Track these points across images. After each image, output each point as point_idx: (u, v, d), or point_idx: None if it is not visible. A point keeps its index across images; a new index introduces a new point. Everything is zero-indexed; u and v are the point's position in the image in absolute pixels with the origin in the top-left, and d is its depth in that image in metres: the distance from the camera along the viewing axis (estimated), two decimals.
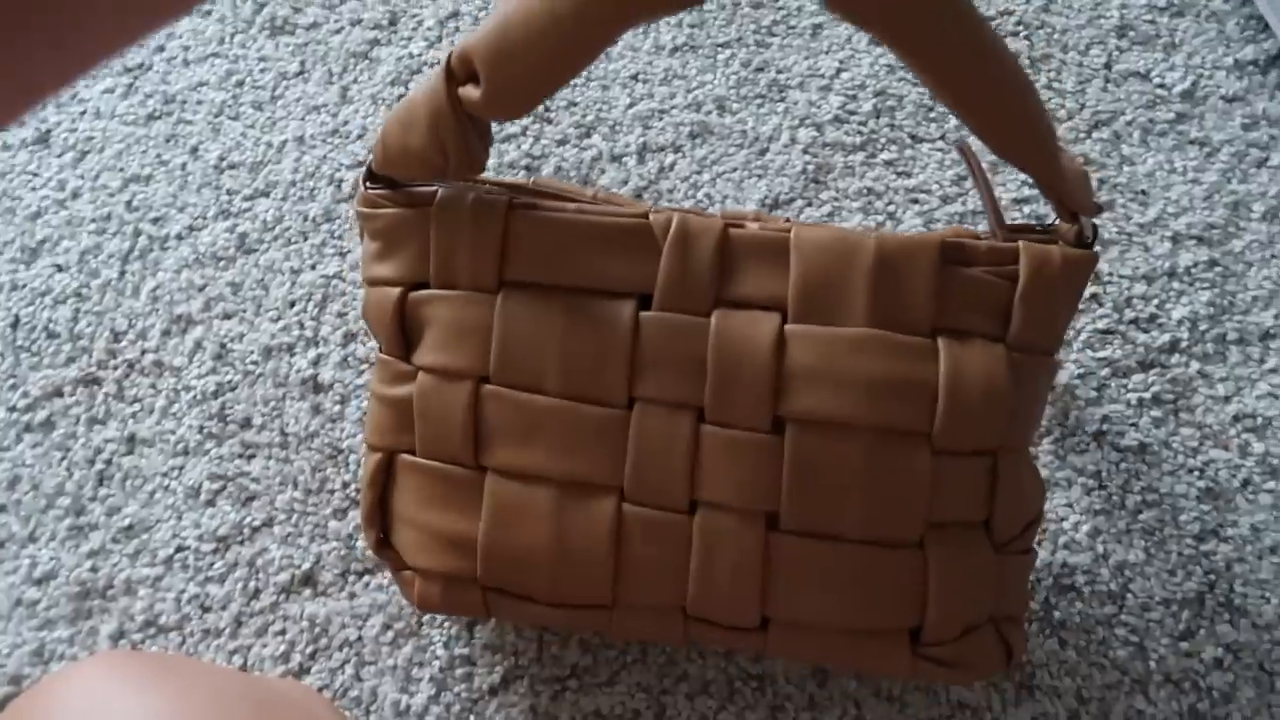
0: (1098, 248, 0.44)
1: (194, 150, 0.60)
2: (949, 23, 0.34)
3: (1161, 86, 0.57)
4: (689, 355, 0.38)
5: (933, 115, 0.57)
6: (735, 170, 0.57)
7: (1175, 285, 0.52)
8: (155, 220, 0.58)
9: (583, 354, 0.38)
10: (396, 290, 0.40)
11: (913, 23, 0.34)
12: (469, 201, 0.39)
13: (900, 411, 0.37)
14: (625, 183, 0.56)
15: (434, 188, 0.40)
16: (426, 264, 0.40)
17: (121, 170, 0.59)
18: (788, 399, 0.37)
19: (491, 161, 0.58)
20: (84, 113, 0.61)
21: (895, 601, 0.38)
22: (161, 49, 0.63)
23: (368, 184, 0.41)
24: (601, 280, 0.39)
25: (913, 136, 0.57)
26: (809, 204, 0.55)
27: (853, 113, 0.58)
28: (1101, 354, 0.51)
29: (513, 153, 0.58)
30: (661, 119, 0.58)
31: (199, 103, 0.61)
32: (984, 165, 0.42)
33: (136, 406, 0.53)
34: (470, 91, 0.37)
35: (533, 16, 0.35)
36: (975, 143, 0.47)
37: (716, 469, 0.38)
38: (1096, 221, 0.53)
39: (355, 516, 0.50)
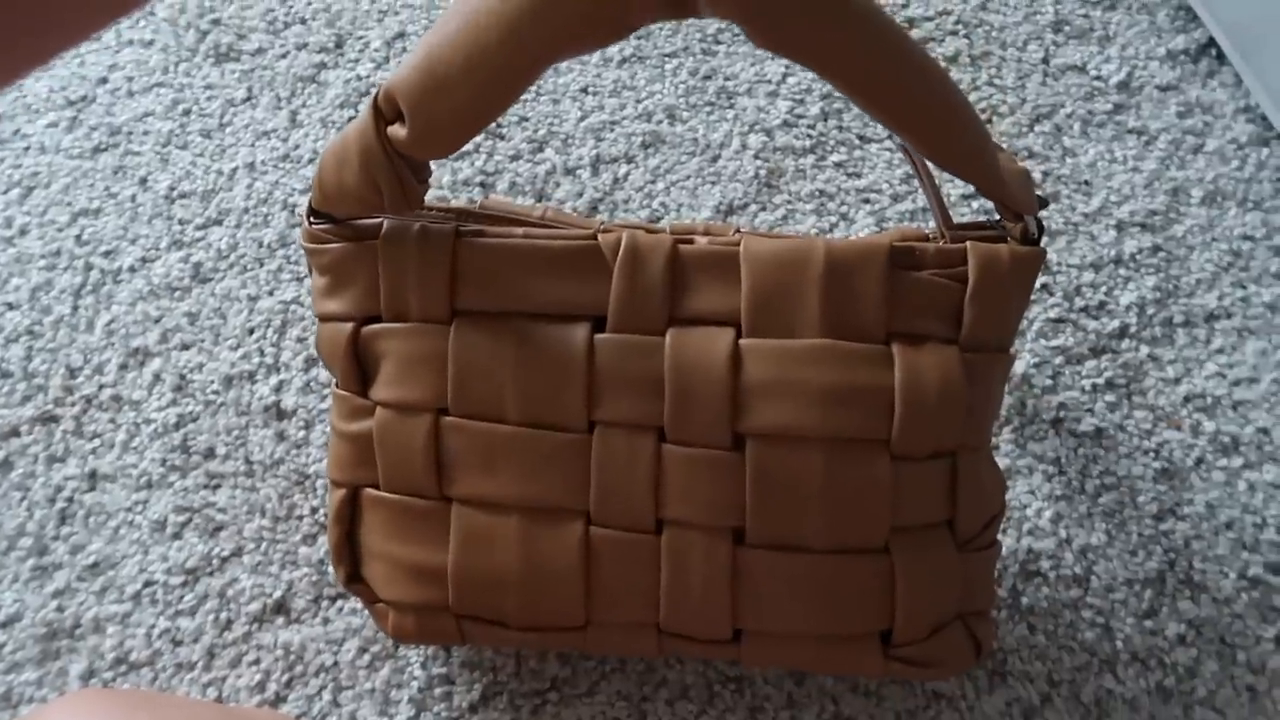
0: (1045, 241, 0.46)
1: (143, 181, 0.60)
2: (871, 44, 0.35)
3: (1098, 79, 0.59)
4: (646, 376, 0.38)
5: None
6: (689, 178, 0.58)
7: (1122, 272, 0.54)
8: (106, 253, 0.58)
9: (540, 380, 0.39)
10: (349, 325, 0.40)
11: (837, 51, 0.35)
12: (415, 233, 0.39)
13: (857, 421, 0.37)
14: (580, 195, 0.57)
15: (378, 220, 0.40)
16: (376, 298, 0.40)
17: (69, 204, 0.59)
18: (745, 416, 0.38)
19: (445, 178, 0.58)
20: (28, 148, 0.61)
21: (864, 607, 0.39)
22: (104, 80, 0.63)
23: (310, 219, 0.41)
24: (554, 304, 0.39)
25: (860, 138, 0.58)
26: (763, 208, 0.56)
27: (801, 116, 0.59)
28: (1055, 342, 0.52)
29: (466, 169, 0.59)
30: (613, 130, 0.59)
31: (146, 133, 0.61)
32: (928, 165, 0.43)
33: (96, 442, 0.53)
34: (398, 130, 0.36)
35: (459, 51, 0.35)
36: None
37: (680, 488, 0.38)
38: (1043, 214, 0.55)
39: (325, 542, 0.50)
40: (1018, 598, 0.47)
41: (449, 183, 0.58)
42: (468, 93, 0.35)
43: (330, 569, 0.50)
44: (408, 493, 0.40)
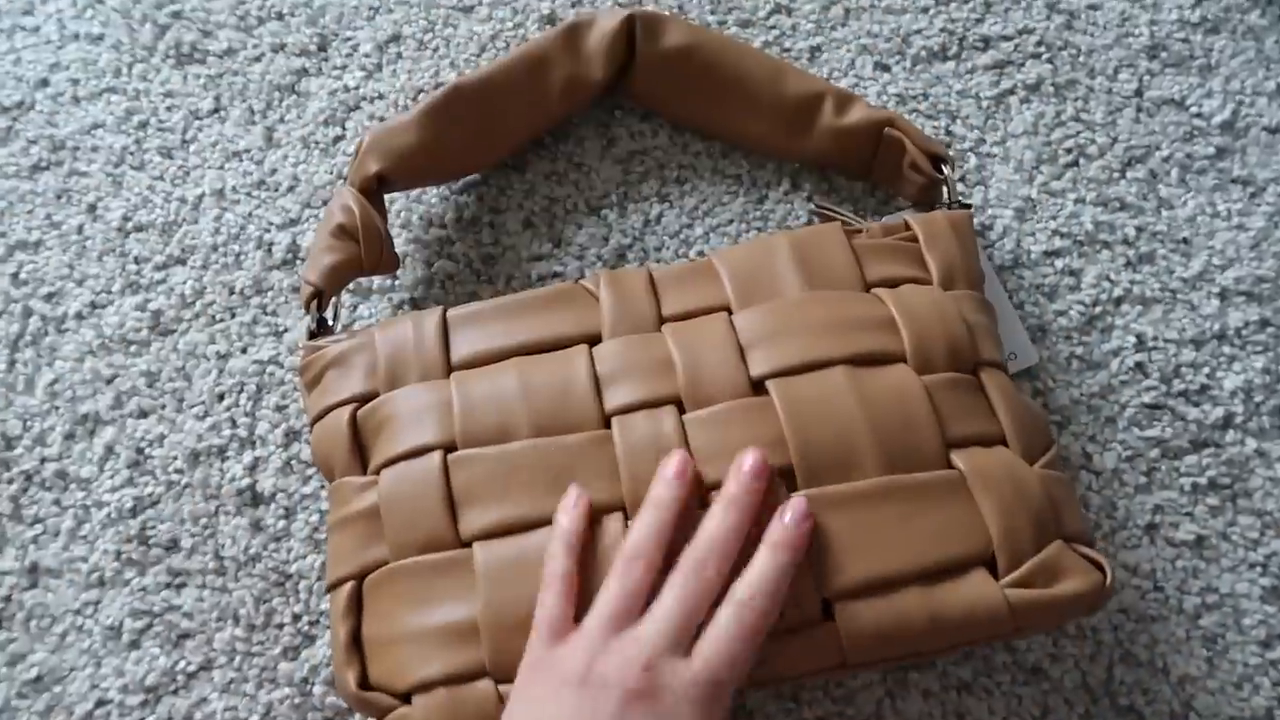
0: (971, 205, 0.47)
1: (91, 209, 0.52)
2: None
3: (1199, 116, 0.52)
4: (652, 361, 0.39)
5: (950, 153, 0.52)
6: (731, 221, 0.51)
7: (1226, 350, 0.48)
8: (49, 296, 0.50)
9: (546, 393, 0.39)
10: (349, 408, 0.41)
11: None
12: (408, 315, 0.42)
13: (866, 340, 0.39)
14: (606, 240, 0.50)
15: (370, 325, 0.43)
16: (374, 379, 0.41)
17: (3, 235, 0.51)
18: (759, 362, 0.39)
19: (449, 214, 0.51)
20: None
21: (950, 526, 0.36)
22: (45, 83, 0.54)
23: (309, 341, 0.43)
24: (547, 335, 0.41)
25: None
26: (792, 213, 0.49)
27: None
28: (1150, 433, 0.46)
29: (473, 205, 0.51)
30: (642, 162, 0.52)
31: (94, 149, 0.53)
32: (846, 214, 0.47)
33: (38, 529, 0.46)
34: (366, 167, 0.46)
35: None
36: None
37: (714, 446, 0.38)
38: (1138, 276, 0.49)
39: (310, 655, 0.44)
40: None
41: (452, 219, 0.51)
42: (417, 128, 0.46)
43: (317, 689, 0.43)
44: (422, 550, 0.38)
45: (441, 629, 0.36)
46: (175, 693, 0.43)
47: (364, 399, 0.41)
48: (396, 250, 0.50)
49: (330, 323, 0.45)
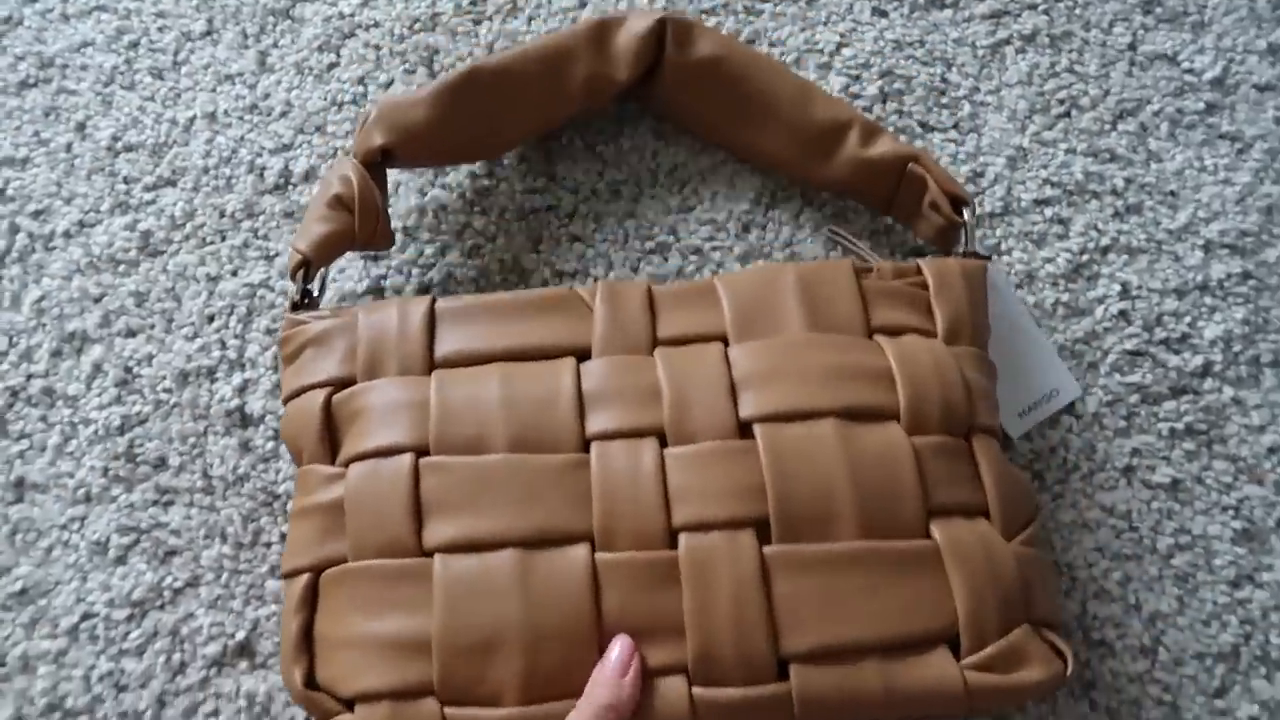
0: (993, 257, 0.48)
1: (80, 127, 0.52)
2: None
3: (1190, 72, 0.54)
4: (639, 387, 0.39)
5: (944, 101, 0.53)
6: (724, 162, 0.51)
7: (1208, 300, 0.49)
8: (37, 214, 0.50)
9: (527, 406, 0.38)
10: (323, 392, 0.40)
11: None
12: (394, 301, 0.41)
13: (862, 392, 0.39)
14: (601, 175, 0.50)
15: (355, 307, 0.42)
16: (352, 364, 0.40)
17: None
18: (749, 403, 0.38)
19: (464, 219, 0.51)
20: None
21: (919, 601, 0.36)
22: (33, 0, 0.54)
23: (291, 312, 0.42)
24: (535, 343, 0.40)
25: (922, 124, 0.52)
26: (808, 204, 0.50)
27: (857, 95, 0.53)
28: (1131, 378, 0.48)
29: (480, 221, 0.51)
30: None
31: (84, 68, 0.53)
32: (858, 243, 0.47)
33: (24, 444, 0.46)
34: (371, 138, 0.45)
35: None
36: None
37: (692, 486, 0.37)
38: (1125, 227, 0.50)
39: None
40: (1080, 670, 0.43)
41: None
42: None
43: None
44: (382, 552, 0.37)
45: (393, 639, 0.36)
46: (161, 607, 0.44)
47: (340, 384, 0.40)
48: (390, 190, 0.50)
49: (315, 295, 0.44)
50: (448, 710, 0.35)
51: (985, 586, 0.36)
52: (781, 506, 0.37)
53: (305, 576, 0.38)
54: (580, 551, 0.36)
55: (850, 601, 0.36)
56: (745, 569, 0.36)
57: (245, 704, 0.43)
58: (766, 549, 0.36)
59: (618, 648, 0.35)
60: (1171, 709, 0.43)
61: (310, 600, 0.38)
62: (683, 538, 0.36)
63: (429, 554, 0.37)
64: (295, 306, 0.43)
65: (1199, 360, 0.48)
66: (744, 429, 0.38)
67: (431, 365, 0.40)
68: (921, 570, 0.36)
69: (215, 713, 0.43)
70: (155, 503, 0.46)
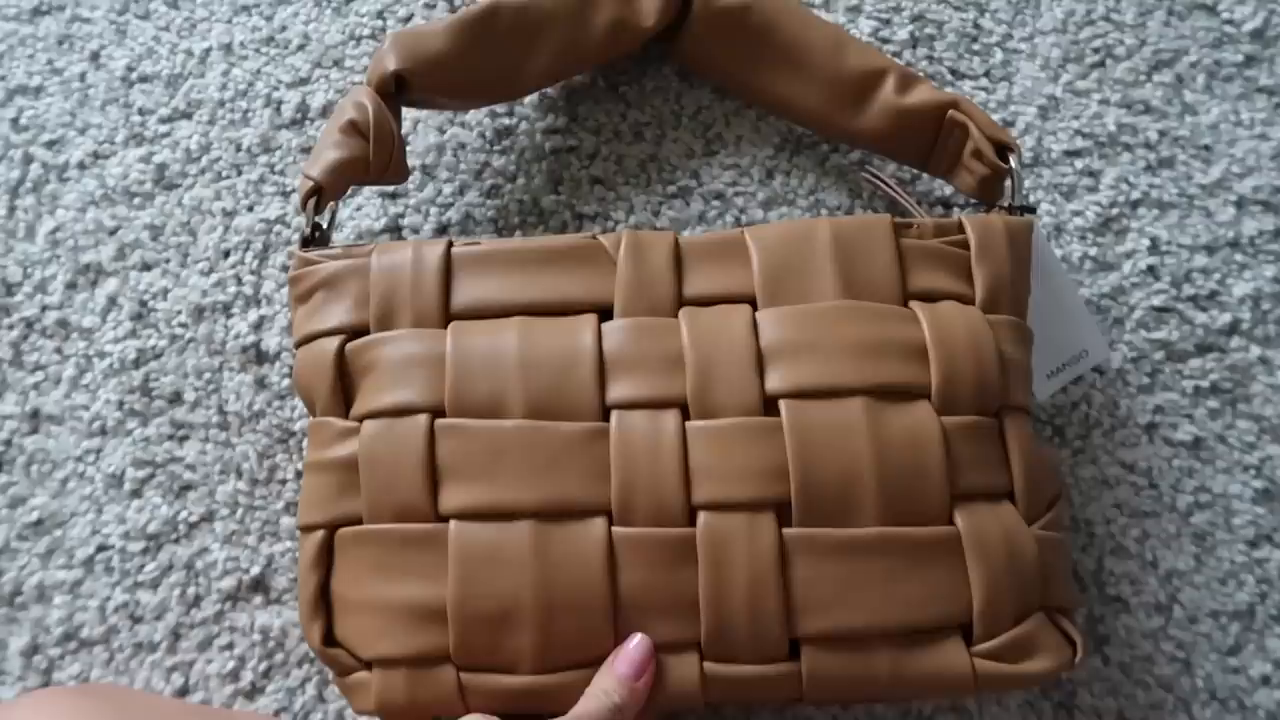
0: (1038, 212, 0.46)
1: (94, 57, 0.51)
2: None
3: (1230, 23, 0.52)
4: (662, 354, 0.38)
5: (976, 47, 0.52)
6: (750, 106, 0.50)
7: (1239, 258, 0.49)
8: (50, 144, 0.50)
9: (546, 367, 0.37)
10: (335, 340, 0.39)
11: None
12: (409, 244, 0.40)
13: (893, 369, 0.37)
14: (624, 116, 0.50)
15: (370, 246, 0.40)
16: (365, 310, 0.39)
17: (3, 79, 0.51)
18: (776, 377, 0.37)
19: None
20: None
21: (936, 590, 0.36)
22: None
23: (302, 247, 0.41)
24: (555, 300, 0.39)
25: (953, 71, 0.51)
26: (834, 150, 0.50)
27: (886, 40, 0.52)
28: (1156, 335, 0.47)
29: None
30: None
31: None
32: (895, 185, 0.46)
33: (39, 375, 0.46)
34: (385, 64, 0.44)
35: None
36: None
37: (713, 464, 0.36)
38: (1156, 181, 0.49)
39: None
40: (1094, 625, 0.44)
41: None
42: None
43: None
44: (397, 516, 0.37)
45: (409, 606, 0.36)
46: (176, 541, 0.44)
47: (353, 332, 0.39)
48: (409, 128, 0.49)
49: (325, 228, 0.42)
50: (464, 677, 0.36)
51: (1003, 577, 0.36)
52: (804, 490, 0.36)
53: (320, 533, 0.38)
54: (598, 525, 0.36)
55: (867, 588, 0.36)
56: (763, 552, 0.36)
57: (259, 638, 0.43)
58: (786, 532, 0.36)
59: (636, 650, 0.35)
60: (1184, 665, 0.43)
61: (326, 557, 0.38)
62: (701, 516, 0.36)
63: (444, 519, 0.36)
64: (306, 242, 0.42)
65: (1227, 318, 0.48)
66: (769, 403, 0.37)
67: (447, 316, 0.39)
68: (941, 559, 0.36)
69: (230, 646, 0.43)
70: (170, 437, 0.46)
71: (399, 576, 0.36)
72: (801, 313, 0.38)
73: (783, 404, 0.37)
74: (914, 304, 0.39)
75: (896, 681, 0.36)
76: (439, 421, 0.37)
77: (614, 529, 0.36)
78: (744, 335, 0.38)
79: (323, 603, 0.37)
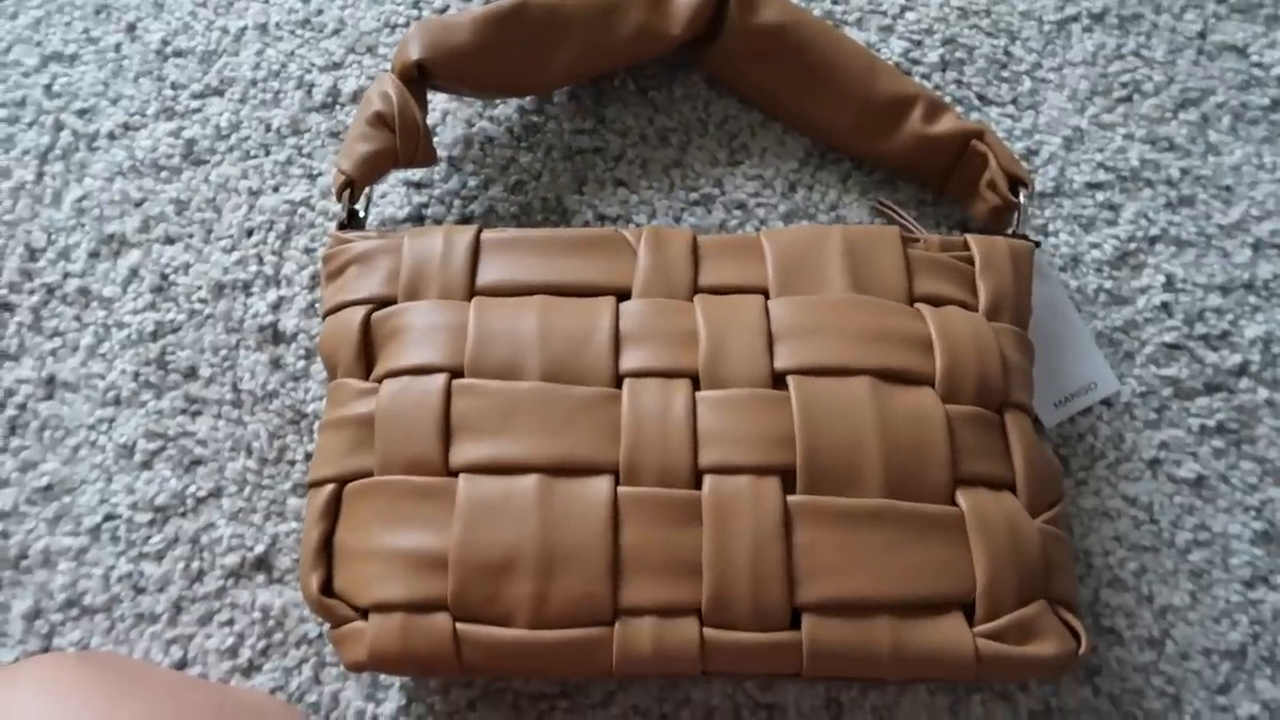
0: (1038, 238, 0.48)
1: (130, 28, 0.52)
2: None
3: (1258, 66, 0.53)
4: (676, 330, 0.40)
5: (1005, 74, 0.52)
6: (776, 119, 0.51)
7: (1252, 300, 0.49)
8: (82, 112, 0.50)
9: (564, 339, 0.39)
10: (363, 309, 0.41)
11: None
12: (441, 228, 0.42)
13: (898, 355, 0.39)
14: (651, 121, 0.50)
15: (403, 231, 0.42)
16: (395, 284, 0.41)
17: (39, 45, 0.51)
18: (784, 355, 0.39)
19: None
20: None
21: (937, 564, 0.37)
22: None
23: (338, 230, 0.43)
24: (577, 280, 0.41)
25: (981, 97, 0.52)
26: (856, 168, 0.50)
27: (916, 62, 0.52)
28: (1166, 371, 0.48)
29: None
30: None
31: None
32: (905, 215, 0.48)
33: (57, 342, 0.47)
34: (408, 53, 0.45)
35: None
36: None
37: (721, 429, 0.38)
38: (1176, 218, 0.50)
39: None
40: (1086, 656, 0.44)
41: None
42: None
43: None
44: (408, 468, 0.38)
45: (411, 553, 0.37)
46: (184, 515, 0.45)
47: (381, 302, 0.41)
48: (438, 119, 0.50)
49: (360, 215, 0.44)
50: (459, 626, 0.36)
51: (1006, 557, 0.37)
52: (809, 457, 0.37)
53: (330, 487, 0.39)
54: (603, 483, 0.37)
55: (869, 557, 0.37)
56: (767, 516, 0.37)
57: (260, 616, 0.44)
58: (790, 498, 0.37)
59: None
60: (1173, 701, 0.44)
61: (333, 510, 0.39)
62: (707, 479, 0.37)
63: (454, 474, 0.38)
64: (342, 226, 0.43)
65: (1237, 359, 0.48)
66: (778, 380, 0.39)
67: (473, 292, 0.41)
68: (943, 535, 0.37)
69: (230, 622, 0.44)
70: (184, 411, 0.46)
71: (404, 526, 0.37)
72: (812, 302, 0.40)
73: (791, 379, 0.39)
74: (919, 305, 0.41)
75: (897, 656, 0.36)
76: (456, 381, 0.39)
77: (620, 488, 0.37)
78: (756, 317, 0.40)
79: (325, 553, 0.38)
